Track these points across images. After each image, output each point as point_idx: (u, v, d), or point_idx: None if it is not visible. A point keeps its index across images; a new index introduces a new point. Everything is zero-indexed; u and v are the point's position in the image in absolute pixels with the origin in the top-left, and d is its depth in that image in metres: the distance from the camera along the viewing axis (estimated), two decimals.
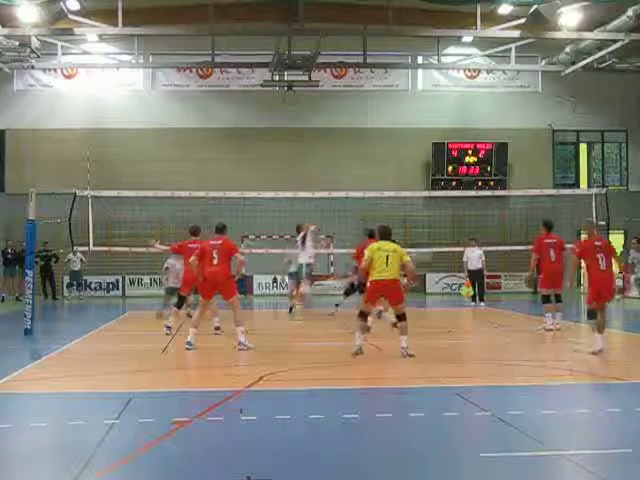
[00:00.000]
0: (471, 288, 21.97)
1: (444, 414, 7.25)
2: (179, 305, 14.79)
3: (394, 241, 11.67)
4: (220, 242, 12.42)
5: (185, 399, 8.21)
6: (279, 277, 28.18)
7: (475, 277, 21.73)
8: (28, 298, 14.43)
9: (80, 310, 23.16)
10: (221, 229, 12.73)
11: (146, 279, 28.51)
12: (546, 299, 14.34)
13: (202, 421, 6.94)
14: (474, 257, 21.41)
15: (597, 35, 24.11)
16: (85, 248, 19.85)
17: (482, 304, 21.38)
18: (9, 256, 26.26)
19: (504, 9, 24.43)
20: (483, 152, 29.35)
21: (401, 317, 11.19)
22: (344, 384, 9.30)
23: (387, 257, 10.98)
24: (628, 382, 9.21)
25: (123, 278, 28.51)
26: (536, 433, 6.44)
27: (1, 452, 6.16)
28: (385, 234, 11.49)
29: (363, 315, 11.27)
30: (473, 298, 21.85)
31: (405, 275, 11.72)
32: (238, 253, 12.68)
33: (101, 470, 5.55)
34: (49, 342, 13.36)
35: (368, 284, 11.27)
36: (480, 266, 21.46)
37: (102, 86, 28.85)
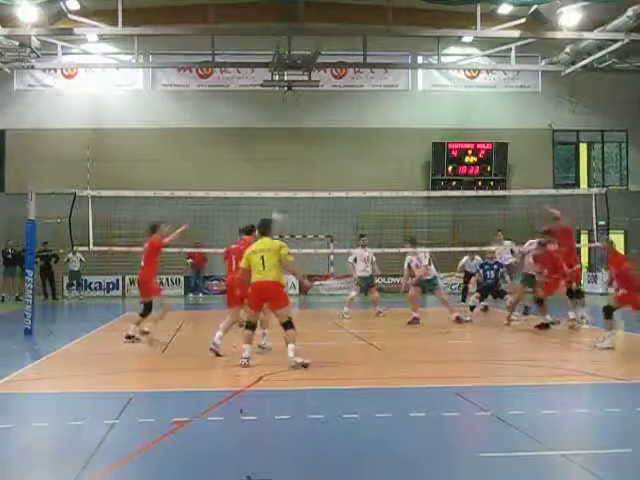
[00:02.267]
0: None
1: (444, 414, 7.25)
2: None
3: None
4: (236, 246, 12.42)
5: (185, 399, 8.20)
6: None
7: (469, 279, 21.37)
8: (28, 298, 14.43)
9: (80, 310, 23.17)
10: (247, 231, 12.36)
11: None
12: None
13: (202, 421, 6.94)
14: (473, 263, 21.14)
15: (597, 35, 24.10)
16: (85, 248, 19.80)
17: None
18: (9, 256, 26.27)
19: (504, 9, 24.39)
20: (483, 152, 29.34)
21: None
22: (344, 384, 9.30)
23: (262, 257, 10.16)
24: (628, 382, 9.22)
25: (123, 278, 28.50)
26: (536, 433, 6.44)
27: (1, 452, 6.16)
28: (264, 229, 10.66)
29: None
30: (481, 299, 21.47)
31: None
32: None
33: (101, 470, 5.55)
34: (49, 342, 13.37)
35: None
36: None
37: (102, 86, 28.85)
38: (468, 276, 21.55)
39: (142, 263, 13.22)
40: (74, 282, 27.16)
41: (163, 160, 28.09)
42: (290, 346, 10.08)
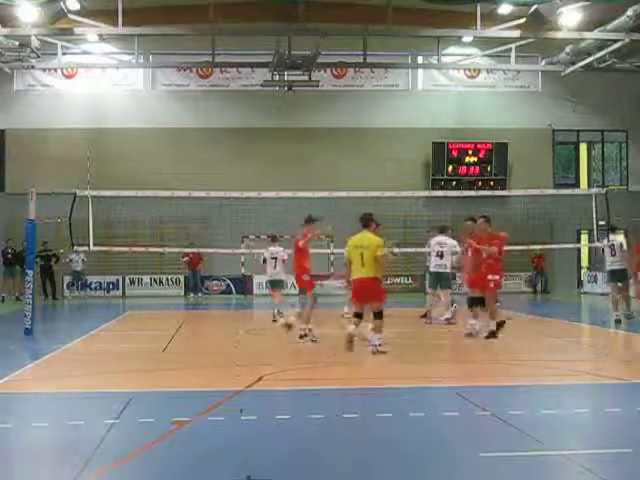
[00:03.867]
0: None
1: (444, 414, 7.25)
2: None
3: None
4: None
5: (185, 399, 8.20)
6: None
7: None
8: (28, 298, 14.42)
9: (80, 310, 23.17)
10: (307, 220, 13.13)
11: (146, 279, 28.54)
12: None
13: (202, 421, 6.94)
14: None
15: (597, 35, 24.09)
16: (85, 248, 19.82)
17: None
18: (9, 256, 26.28)
19: (504, 9, 24.39)
20: (483, 152, 29.34)
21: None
22: (344, 384, 9.29)
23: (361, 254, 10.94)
24: (628, 382, 9.21)
25: (123, 278, 28.52)
26: (536, 433, 6.44)
27: (1, 452, 6.16)
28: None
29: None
30: None
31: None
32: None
33: (101, 470, 5.55)
34: (49, 342, 13.37)
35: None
36: None
37: (102, 86, 28.86)
38: None
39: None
40: (76, 282, 27.19)
41: (163, 160, 28.10)
42: (376, 335, 10.94)
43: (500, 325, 13.09)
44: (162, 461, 5.82)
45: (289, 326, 13.01)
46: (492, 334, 12.90)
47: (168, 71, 29.08)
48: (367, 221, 11.43)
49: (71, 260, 26.25)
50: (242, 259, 27.41)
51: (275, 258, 16.93)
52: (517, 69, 28.37)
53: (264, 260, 17.13)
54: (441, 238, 16.01)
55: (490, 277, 13.00)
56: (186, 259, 26.76)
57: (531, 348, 12.67)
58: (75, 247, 19.44)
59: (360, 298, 11.15)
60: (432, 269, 16.11)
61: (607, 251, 16.66)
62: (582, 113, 29.68)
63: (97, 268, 27.49)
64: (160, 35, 25.79)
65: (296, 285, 13.93)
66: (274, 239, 17.53)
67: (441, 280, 15.78)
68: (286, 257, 16.84)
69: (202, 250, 24.90)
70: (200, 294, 27.59)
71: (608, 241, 16.73)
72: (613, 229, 17.13)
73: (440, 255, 15.76)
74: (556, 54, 26.95)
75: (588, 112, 29.69)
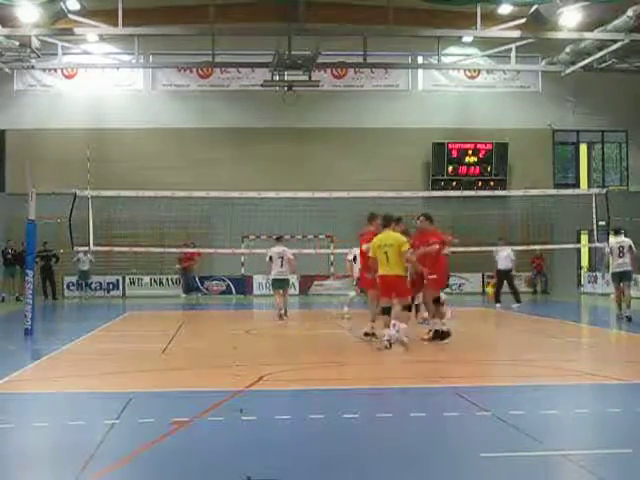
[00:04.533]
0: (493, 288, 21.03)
1: (444, 414, 7.25)
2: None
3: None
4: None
5: (185, 399, 8.20)
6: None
7: (504, 277, 21.06)
8: (28, 298, 14.42)
9: (80, 310, 23.18)
10: (369, 218, 13.15)
11: (146, 279, 28.55)
12: None
13: (202, 421, 6.94)
14: (502, 257, 20.76)
15: (597, 35, 24.10)
16: (85, 248, 19.82)
17: (498, 305, 20.58)
18: (9, 256, 26.27)
19: (504, 9, 24.38)
20: (483, 152, 29.34)
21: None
22: (344, 384, 9.29)
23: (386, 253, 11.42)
24: (628, 382, 9.21)
25: (123, 278, 28.53)
26: (536, 433, 6.43)
27: (1, 452, 6.16)
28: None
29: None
30: (496, 299, 20.91)
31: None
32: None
33: (101, 470, 5.55)
34: (49, 342, 13.37)
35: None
36: (510, 266, 20.77)
37: (102, 86, 28.86)
38: (501, 275, 20.96)
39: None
40: (82, 282, 27.19)
41: (163, 160, 28.10)
42: (402, 325, 11.45)
43: (442, 335, 12.51)
44: (162, 461, 5.82)
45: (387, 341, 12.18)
46: (436, 335, 12.51)
47: (168, 71, 29.08)
48: (387, 221, 11.99)
49: (79, 259, 26.24)
50: (242, 259, 27.42)
51: (282, 257, 17.10)
52: (517, 69, 28.38)
53: (270, 258, 17.23)
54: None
55: (430, 276, 12.56)
56: (178, 267, 26.76)
57: (531, 348, 12.66)
58: (75, 247, 19.44)
59: (386, 293, 11.74)
60: None
61: (615, 252, 16.59)
62: (582, 113, 29.68)
63: (97, 268, 27.49)
64: (160, 35, 25.80)
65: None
66: (279, 239, 17.83)
67: None
68: (292, 256, 17.19)
69: (200, 250, 24.82)
70: (194, 294, 27.43)
71: (616, 242, 16.66)
72: (617, 231, 17.02)
73: None
74: (556, 54, 26.96)
75: (588, 112, 29.69)
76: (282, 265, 17.10)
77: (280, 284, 17.36)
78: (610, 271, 17.38)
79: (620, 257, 16.45)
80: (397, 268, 11.48)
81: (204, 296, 27.78)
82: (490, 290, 21.88)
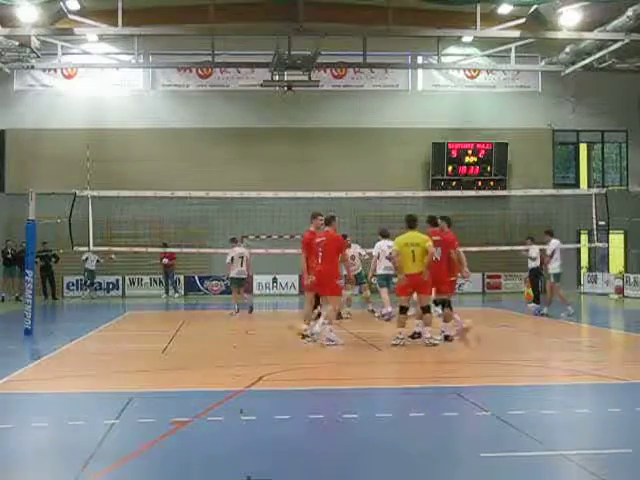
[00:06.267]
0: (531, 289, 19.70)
1: (444, 414, 7.25)
2: None
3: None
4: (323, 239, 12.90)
5: (185, 399, 8.20)
6: (279, 277, 28.23)
7: (538, 275, 19.67)
8: (28, 298, 14.43)
9: (80, 310, 23.17)
10: (327, 222, 13.18)
11: (146, 279, 28.55)
12: None
13: (202, 421, 6.94)
14: (532, 255, 19.10)
15: (597, 35, 24.10)
16: (85, 248, 19.84)
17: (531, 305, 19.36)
18: (9, 256, 26.26)
19: (504, 9, 24.40)
20: (483, 152, 29.33)
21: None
22: (344, 384, 9.30)
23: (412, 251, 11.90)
24: (628, 382, 9.21)
25: (123, 278, 28.52)
26: (536, 433, 6.44)
27: (1, 452, 6.16)
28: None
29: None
30: (535, 299, 19.54)
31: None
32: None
33: (101, 470, 5.55)
34: (49, 342, 13.37)
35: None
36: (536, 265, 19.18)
37: (102, 86, 28.84)
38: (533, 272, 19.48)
39: (319, 259, 12.61)
40: (89, 281, 27.20)
41: (163, 160, 28.09)
42: (427, 328, 11.98)
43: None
44: (162, 461, 5.83)
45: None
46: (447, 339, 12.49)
47: (168, 71, 29.07)
48: (413, 222, 12.38)
49: (86, 259, 26.24)
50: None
51: (242, 258, 18.63)
52: (517, 69, 28.37)
53: (232, 259, 18.63)
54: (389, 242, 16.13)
55: (450, 278, 12.78)
56: (165, 261, 26.81)
57: (531, 348, 12.67)
58: (75, 247, 19.46)
59: (405, 291, 12.13)
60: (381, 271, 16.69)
61: None
62: (582, 113, 29.68)
63: (97, 268, 27.47)
64: (160, 35, 25.80)
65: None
66: (234, 240, 19.25)
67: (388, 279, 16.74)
68: (249, 257, 18.86)
69: (172, 250, 24.98)
70: (171, 294, 27.54)
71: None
72: None
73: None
74: (556, 54, 26.96)
75: (588, 112, 29.67)
76: (242, 265, 18.63)
77: (240, 282, 18.95)
78: None
79: None
80: (421, 266, 11.89)
81: (204, 296, 27.77)
82: (528, 291, 20.54)
